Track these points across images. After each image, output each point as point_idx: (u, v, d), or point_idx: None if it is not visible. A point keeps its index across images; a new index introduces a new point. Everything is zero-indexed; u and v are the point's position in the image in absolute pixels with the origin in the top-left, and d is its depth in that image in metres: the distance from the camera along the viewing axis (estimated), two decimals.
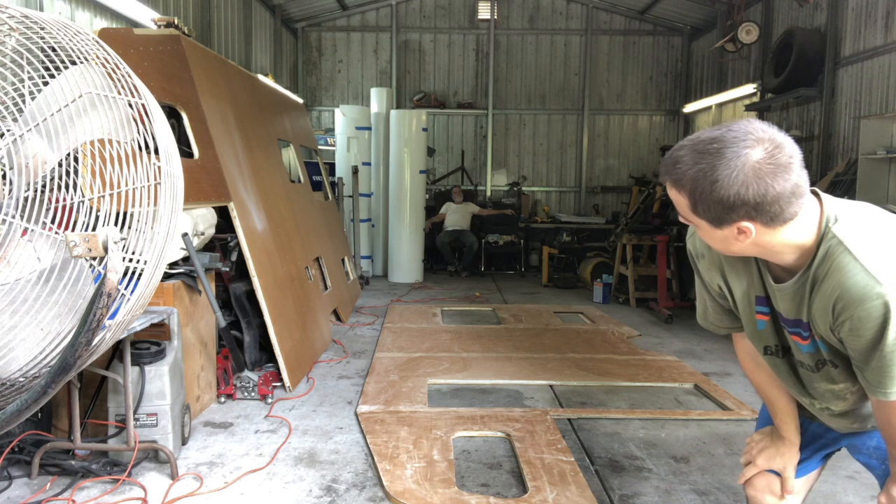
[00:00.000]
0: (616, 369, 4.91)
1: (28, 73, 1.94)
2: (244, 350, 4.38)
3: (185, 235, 3.73)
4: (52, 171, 2.00)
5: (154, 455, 3.23)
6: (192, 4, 7.21)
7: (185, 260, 3.81)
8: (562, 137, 11.71)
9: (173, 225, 2.09)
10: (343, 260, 7.40)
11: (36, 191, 1.98)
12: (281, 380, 4.37)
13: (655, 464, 3.33)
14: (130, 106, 2.03)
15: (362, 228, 9.07)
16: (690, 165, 1.31)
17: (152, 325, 3.14)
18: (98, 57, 1.99)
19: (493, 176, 11.70)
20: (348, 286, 7.25)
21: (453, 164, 11.53)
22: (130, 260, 1.93)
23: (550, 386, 4.56)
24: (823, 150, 7.30)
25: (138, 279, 1.96)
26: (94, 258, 1.83)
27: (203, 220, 4.08)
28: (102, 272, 1.75)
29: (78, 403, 2.99)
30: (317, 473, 3.18)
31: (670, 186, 1.38)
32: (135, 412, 3.05)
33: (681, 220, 1.46)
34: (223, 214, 4.39)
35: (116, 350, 3.05)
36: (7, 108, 1.98)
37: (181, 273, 3.74)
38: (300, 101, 8.26)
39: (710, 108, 10.37)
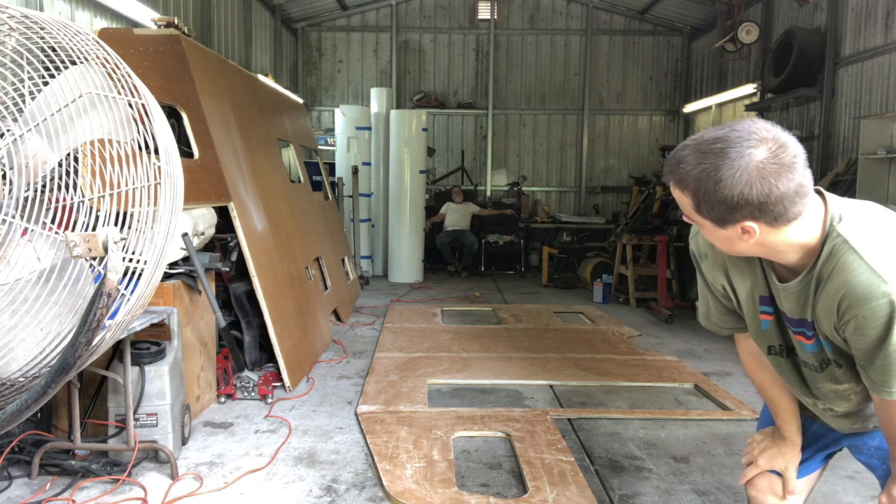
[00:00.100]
0: (616, 369, 4.91)
1: (28, 73, 1.94)
2: (244, 350, 4.38)
3: (185, 235, 3.73)
4: (52, 171, 2.00)
5: (154, 455, 3.23)
6: (192, 4, 7.21)
7: (185, 260, 3.81)
8: (562, 137, 11.71)
9: (173, 225, 2.09)
10: (343, 260, 7.40)
11: (36, 191, 1.98)
12: (281, 380, 4.37)
13: (655, 464, 3.33)
14: (130, 106, 2.03)
15: (362, 228, 9.07)
16: (694, 165, 1.31)
17: (152, 325, 3.14)
18: (98, 57, 1.99)
19: (493, 176, 11.71)
20: (348, 286, 7.25)
21: (453, 164, 11.53)
22: (130, 260, 1.93)
23: (550, 386, 4.56)
24: (823, 150, 7.30)
25: (138, 279, 1.96)
26: (94, 258, 1.83)
27: (203, 220, 4.08)
28: (102, 272, 1.75)
29: (78, 403, 2.99)
30: (317, 473, 3.18)
31: (674, 186, 1.38)
32: (135, 412, 3.05)
33: (684, 219, 1.46)
34: (223, 214, 4.39)
35: (116, 350, 3.05)
36: (7, 108, 1.98)
37: (181, 273, 3.74)
38: (300, 101, 8.26)
39: (710, 108, 10.37)
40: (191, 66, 4.24)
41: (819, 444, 1.82)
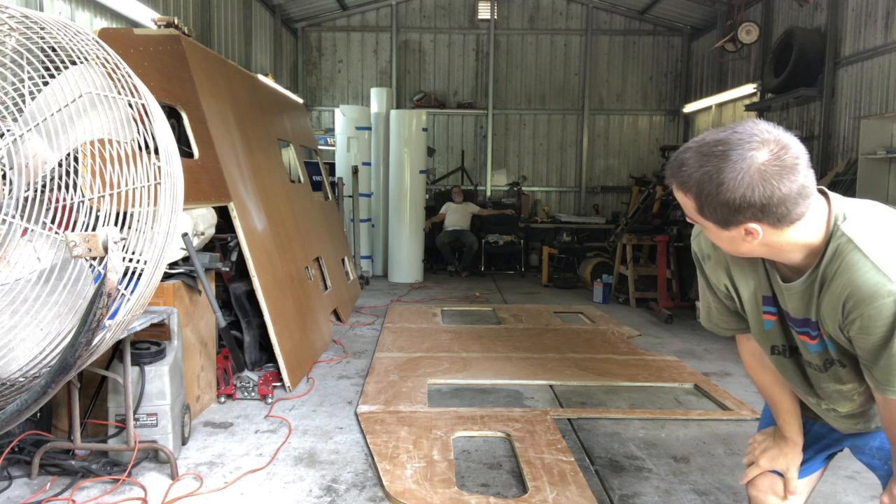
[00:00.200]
0: (616, 369, 4.91)
1: (28, 73, 1.94)
2: (244, 350, 4.38)
3: (185, 235, 3.73)
4: (52, 171, 2.00)
5: (154, 455, 3.23)
6: (192, 4, 7.21)
7: (185, 260, 3.81)
8: (562, 137, 11.71)
9: (173, 225, 2.09)
10: (343, 260, 7.40)
11: (36, 191, 1.98)
12: (281, 380, 4.37)
13: (655, 464, 3.33)
14: (130, 106, 2.03)
15: (362, 228, 9.07)
16: (696, 168, 1.31)
17: (152, 325, 3.14)
18: (98, 57, 1.99)
19: (493, 176, 11.71)
20: (348, 286, 7.25)
21: (453, 164, 11.53)
22: (130, 260, 1.93)
23: (550, 386, 4.56)
24: (823, 150, 7.30)
25: (138, 279, 1.96)
26: (94, 258, 1.83)
27: (203, 220, 4.08)
28: (102, 272, 1.75)
29: (78, 403, 2.99)
30: (317, 473, 3.18)
31: (677, 189, 1.38)
32: (135, 412, 3.05)
33: (688, 219, 1.46)
34: (223, 214, 4.39)
35: (116, 350, 3.05)
36: (7, 108, 1.98)
37: (181, 273, 3.74)
38: (300, 101, 8.26)
39: (710, 108, 10.38)
40: (191, 66, 4.24)
41: (820, 444, 1.82)
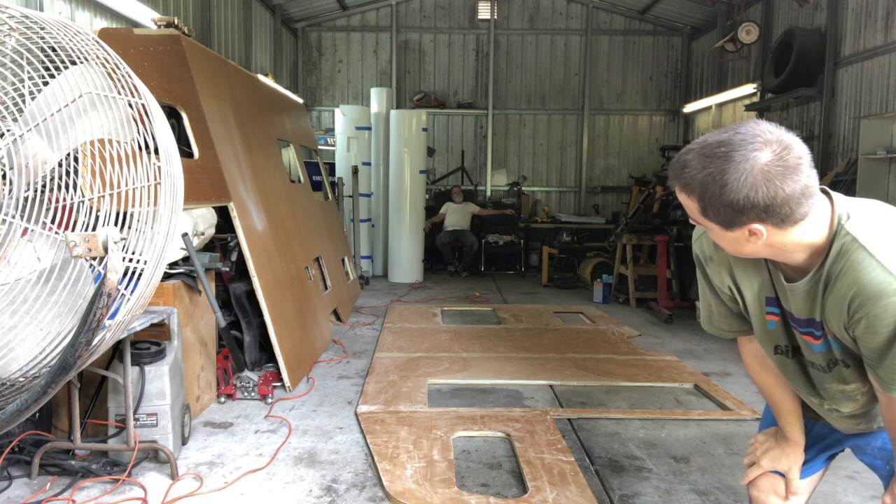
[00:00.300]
0: (616, 369, 4.91)
1: (28, 73, 1.94)
2: (244, 350, 4.38)
3: (185, 235, 3.73)
4: (52, 171, 2.00)
5: (154, 455, 3.23)
6: (192, 4, 7.21)
7: (185, 260, 3.80)
8: (562, 137, 11.71)
9: (173, 225, 2.09)
10: (343, 260, 7.40)
11: (36, 191, 1.98)
12: (281, 380, 4.37)
13: (655, 464, 3.33)
14: (130, 106, 2.03)
15: (362, 228, 9.07)
16: (699, 170, 1.31)
17: (152, 325, 3.14)
18: (98, 57, 1.99)
19: (493, 176, 11.71)
20: (348, 286, 7.25)
21: (453, 164, 11.53)
22: (130, 260, 1.93)
23: (550, 386, 4.56)
24: (823, 150, 7.30)
25: (138, 279, 1.96)
26: (94, 258, 1.83)
27: (203, 220, 4.08)
28: (102, 272, 1.75)
29: (78, 403, 2.99)
30: (317, 473, 3.18)
31: (679, 190, 1.37)
32: (135, 412, 3.05)
33: (690, 221, 1.46)
34: (223, 214, 4.39)
35: (116, 350, 3.05)
36: (7, 108, 1.98)
37: (181, 273, 3.74)
38: (300, 101, 8.26)
39: (710, 108, 10.38)
40: (191, 66, 4.24)
41: (822, 444, 1.81)
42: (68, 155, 1.99)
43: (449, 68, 11.58)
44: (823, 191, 1.40)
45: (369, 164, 9.45)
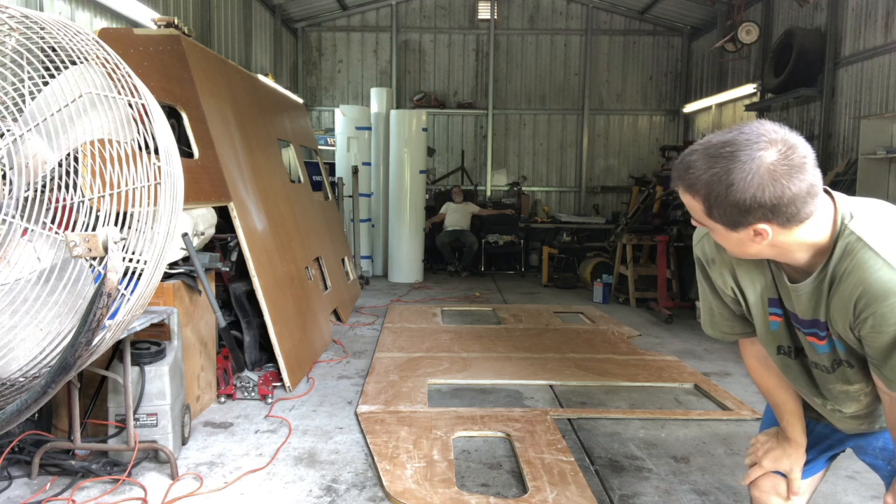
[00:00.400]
0: (616, 369, 4.91)
1: (28, 73, 1.94)
2: (244, 350, 4.38)
3: (185, 235, 3.73)
4: (52, 171, 2.00)
5: (154, 455, 3.23)
6: (192, 4, 7.21)
7: (185, 260, 3.81)
8: (562, 137, 11.71)
9: (173, 225, 2.09)
10: (343, 260, 7.40)
11: (36, 191, 1.98)
12: (281, 380, 4.37)
13: (655, 464, 3.33)
14: (130, 106, 2.03)
15: (362, 228, 9.07)
16: (704, 170, 1.30)
17: (152, 325, 3.14)
18: (98, 57, 1.99)
19: (493, 176, 11.71)
20: (348, 286, 7.25)
21: (453, 164, 11.53)
22: (130, 260, 1.93)
23: (550, 386, 4.56)
24: (823, 150, 7.30)
25: (138, 279, 1.96)
26: (94, 258, 1.83)
27: (203, 220, 4.08)
28: (102, 272, 1.75)
29: (78, 403, 2.99)
30: (317, 473, 3.18)
31: (683, 192, 1.37)
32: (135, 412, 3.05)
33: (693, 223, 1.45)
34: (223, 214, 4.39)
35: (116, 350, 3.05)
36: (7, 108, 1.98)
37: (181, 273, 3.74)
38: (300, 101, 8.26)
39: (710, 108, 10.38)
40: (191, 66, 4.24)
41: (823, 444, 1.81)
42: (68, 155, 1.99)
43: (449, 68, 11.58)
44: (825, 190, 1.40)
45: (369, 164, 9.45)
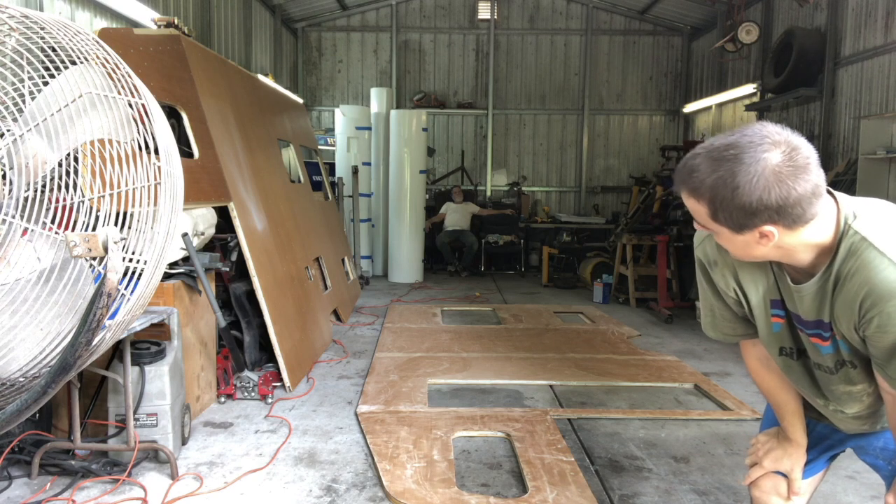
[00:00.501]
0: (616, 369, 4.91)
1: (28, 73, 1.94)
2: (244, 350, 4.38)
3: (185, 235, 3.73)
4: (52, 171, 2.00)
5: (154, 455, 3.23)
6: (192, 4, 7.21)
7: (185, 260, 3.80)
8: (562, 137, 11.71)
9: (173, 225, 2.09)
10: (343, 260, 7.40)
11: (36, 191, 1.98)
12: (281, 380, 4.37)
13: (655, 464, 3.33)
14: (130, 106, 2.03)
15: (362, 228, 9.07)
16: (708, 174, 1.30)
17: (152, 325, 3.14)
18: (98, 57, 1.99)
19: (493, 176, 11.71)
20: (348, 286, 7.25)
21: (453, 164, 11.53)
22: (130, 260, 1.93)
23: (550, 386, 4.56)
24: (823, 150, 7.30)
25: (138, 279, 1.96)
26: (94, 258, 1.83)
27: (203, 220, 4.08)
28: (102, 272, 1.75)
29: (78, 403, 2.99)
30: (317, 473, 3.18)
31: (687, 196, 1.36)
32: (135, 412, 3.05)
33: (696, 227, 1.44)
34: (223, 214, 4.39)
35: (116, 350, 3.05)
36: (7, 108, 1.98)
37: (181, 273, 3.74)
38: (300, 101, 8.26)
39: (710, 108, 10.38)
40: (191, 66, 4.24)
41: (823, 444, 1.81)
42: (68, 155, 1.99)
43: (449, 68, 11.58)
44: (828, 191, 1.40)
45: (369, 164, 9.45)
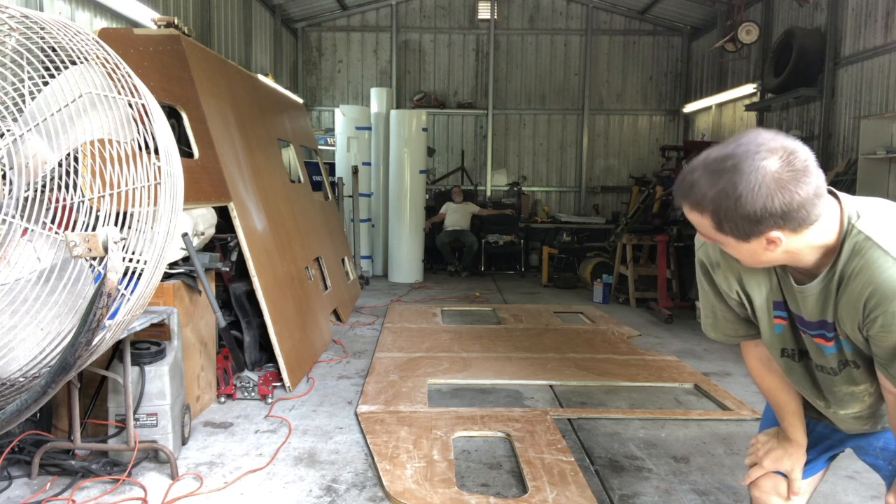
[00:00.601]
0: (616, 369, 4.91)
1: (28, 73, 1.94)
2: (244, 350, 4.38)
3: (185, 235, 3.73)
4: (52, 171, 2.00)
5: (154, 455, 3.23)
6: (192, 4, 7.21)
7: (185, 260, 3.81)
8: (562, 137, 11.71)
9: (173, 225, 2.09)
10: (343, 260, 7.40)
11: (36, 191, 1.98)
12: (281, 380, 4.37)
13: (655, 464, 3.33)
14: (130, 106, 2.03)
15: (362, 228, 9.07)
16: (709, 186, 1.30)
17: (152, 325, 3.14)
18: (98, 57, 1.99)
19: (493, 176, 11.71)
20: (348, 286, 7.25)
21: (453, 164, 11.53)
22: (130, 260, 1.93)
23: (550, 386, 4.56)
24: (823, 150, 7.30)
25: (138, 279, 1.96)
26: (94, 258, 1.83)
27: (203, 220, 4.08)
28: (102, 272, 1.75)
29: (78, 403, 2.99)
30: (317, 473, 3.18)
31: (690, 210, 1.36)
32: (135, 412, 3.05)
33: (702, 239, 1.44)
34: (223, 214, 4.39)
35: (116, 350, 3.05)
36: (7, 108, 1.98)
37: (181, 273, 3.74)
38: (300, 101, 8.26)
39: (710, 108, 10.38)
40: (191, 66, 4.24)
41: (824, 444, 1.81)
42: (68, 155, 1.99)
43: (449, 68, 11.58)
44: (830, 191, 1.40)
45: (369, 164, 9.45)
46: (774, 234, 1.31)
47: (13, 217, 1.91)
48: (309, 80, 11.55)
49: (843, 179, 6.45)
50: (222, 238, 4.44)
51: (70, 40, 1.93)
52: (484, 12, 11.37)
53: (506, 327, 6.34)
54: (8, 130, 1.93)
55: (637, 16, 11.30)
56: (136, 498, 2.90)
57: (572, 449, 3.45)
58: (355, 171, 8.72)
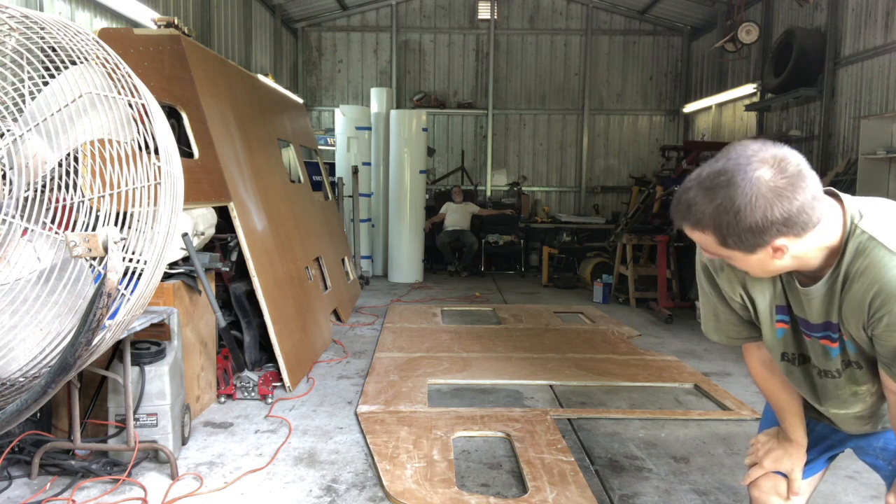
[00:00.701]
0: (616, 369, 4.91)
1: (28, 73, 1.94)
2: (244, 350, 4.38)
3: (185, 235, 3.73)
4: (52, 171, 2.00)
5: (154, 455, 3.23)
6: (192, 4, 7.21)
7: (185, 260, 3.81)
8: (562, 137, 11.71)
9: (173, 225, 2.09)
10: (343, 260, 7.40)
11: (36, 191, 1.98)
12: (281, 380, 4.37)
13: (655, 464, 3.33)
14: (130, 106, 2.03)
15: (362, 228, 9.07)
16: (706, 204, 1.30)
17: (152, 325, 3.14)
18: (98, 57, 1.99)
19: (493, 176, 11.71)
20: (348, 286, 7.25)
21: (453, 164, 11.53)
22: (130, 260, 1.93)
23: (550, 386, 4.56)
24: (823, 150, 7.31)
25: (138, 279, 1.96)
26: (94, 258, 1.83)
27: (203, 220, 4.08)
28: (102, 272, 1.75)
29: (78, 403, 2.99)
30: (317, 473, 3.18)
31: (691, 230, 1.37)
32: (135, 412, 3.05)
33: (708, 256, 1.44)
34: (223, 214, 4.39)
35: (116, 350, 3.05)
36: (7, 108, 1.98)
37: (181, 273, 3.74)
38: (300, 101, 8.26)
39: (710, 108, 10.38)
40: (191, 66, 4.24)
41: (823, 444, 1.81)
42: (68, 155, 1.99)
43: (449, 68, 11.58)
44: (831, 192, 1.40)
45: (369, 164, 9.45)
46: (779, 241, 1.31)
47: (13, 217, 1.91)
48: (309, 80, 11.55)
49: (843, 179, 6.45)
50: (222, 238, 4.44)
51: (70, 40, 1.93)
52: (484, 12, 11.37)
53: (506, 327, 6.34)
54: (8, 130, 1.93)
55: (637, 16, 11.30)
56: (136, 498, 2.90)
57: (572, 449, 3.45)
58: (355, 171, 8.72)
